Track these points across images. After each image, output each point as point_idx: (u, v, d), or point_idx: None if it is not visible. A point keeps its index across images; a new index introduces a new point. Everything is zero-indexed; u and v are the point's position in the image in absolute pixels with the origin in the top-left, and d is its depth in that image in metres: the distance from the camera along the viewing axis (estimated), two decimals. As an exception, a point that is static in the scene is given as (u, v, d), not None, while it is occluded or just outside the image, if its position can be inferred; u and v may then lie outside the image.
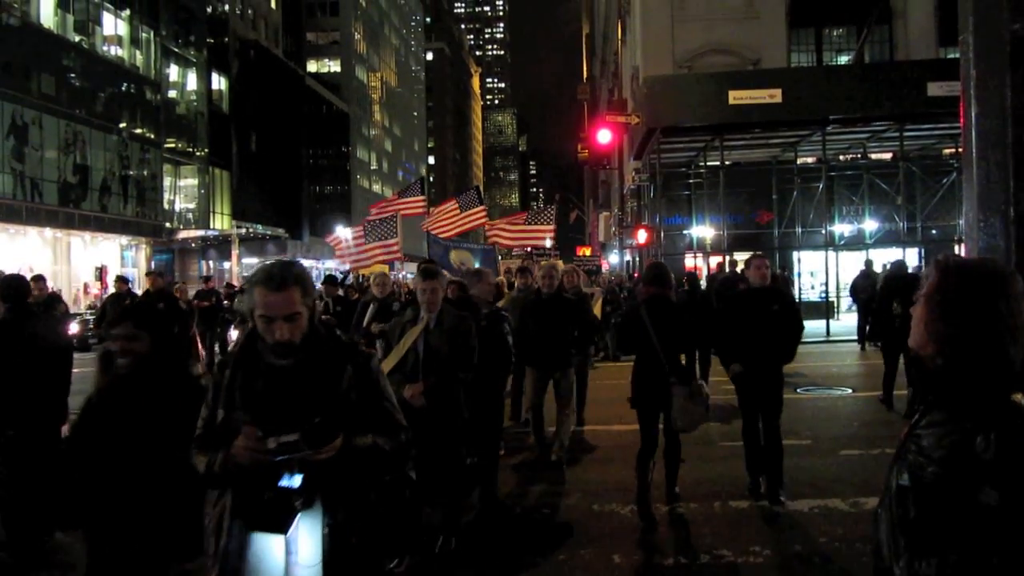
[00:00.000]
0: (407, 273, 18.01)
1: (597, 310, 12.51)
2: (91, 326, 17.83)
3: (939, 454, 1.70)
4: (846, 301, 20.59)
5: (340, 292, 12.24)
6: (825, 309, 19.75)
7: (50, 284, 28.13)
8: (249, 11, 53.09)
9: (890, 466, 1.85)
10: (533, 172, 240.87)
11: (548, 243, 23.35)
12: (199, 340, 14.08)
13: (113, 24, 35.12)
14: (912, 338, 1.86)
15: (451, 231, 14.44)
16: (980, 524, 1.62)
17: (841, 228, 23.06)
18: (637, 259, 26.74)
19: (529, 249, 23.77)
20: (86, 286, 32.66)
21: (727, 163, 21.79)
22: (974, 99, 2.84)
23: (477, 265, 14.03)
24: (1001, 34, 2.72)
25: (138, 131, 36.63)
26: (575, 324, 7.89)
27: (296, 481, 2.32)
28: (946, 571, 1.67)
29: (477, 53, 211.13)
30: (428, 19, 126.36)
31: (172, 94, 40.99)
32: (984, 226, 2.81)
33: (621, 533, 5.73)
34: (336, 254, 17.16)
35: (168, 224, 39.38)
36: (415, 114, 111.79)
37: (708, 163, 23.18)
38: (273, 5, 58.31)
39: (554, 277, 7.76)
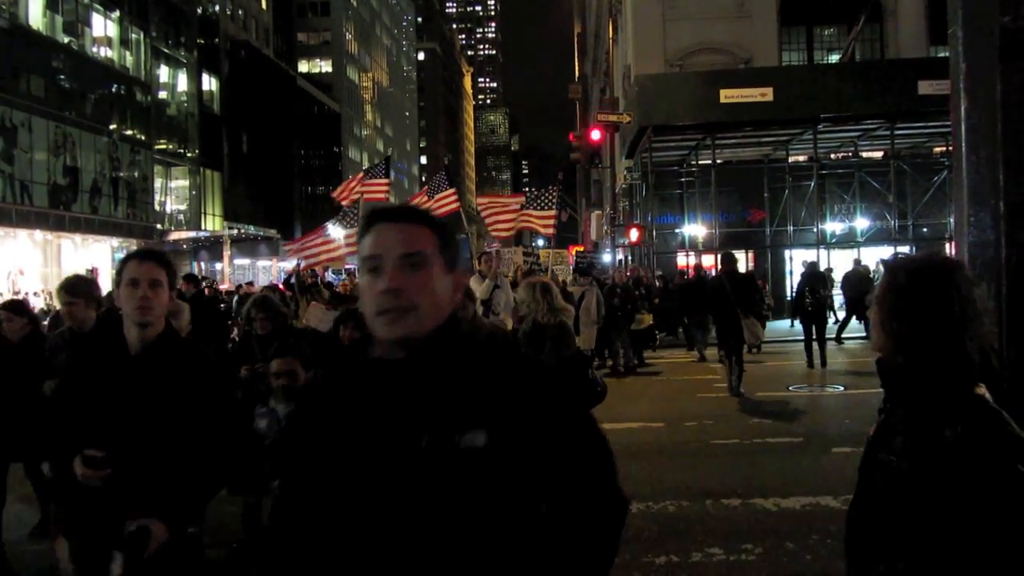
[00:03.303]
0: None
1: (591, 313, 11.50)
2: None
3: (909, 451, 1.71)
4: (838, 298, 20.59)
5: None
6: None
7: (40, 286, 27.99)
8: (239, 11, 52.87)
9: (860, 469, 1.85)
10: (525, 171, 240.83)
11: (541, 241, 22.86)
12: None
13: (103, 25, 34.86)
14: (873, 341, 1.88)
15: None
16: (956, 517, 1.62)
17: (833, 226, 23.09)
18: (629, 258, 26.73)
19: (495, 246, 22.19)
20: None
21: (719, 161, 21.82)
22: (964, 92, 2.82)
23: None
24: (991, 27, 2.70)
25: (128, 132, 36.37)
26: None
27: None
28: (927, 567, 1.66)
29: (469, 53, 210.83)
30: (419, 19, 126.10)
31: (163, 95, 40.75)
32: (975, 220, 2.79)
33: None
34: (289, 250, 14.43)
35: (159, 225, 39.16)
36: (407, 114, 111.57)
37: (700, 162, 23.19)
38: (264, 5, 58.10)
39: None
